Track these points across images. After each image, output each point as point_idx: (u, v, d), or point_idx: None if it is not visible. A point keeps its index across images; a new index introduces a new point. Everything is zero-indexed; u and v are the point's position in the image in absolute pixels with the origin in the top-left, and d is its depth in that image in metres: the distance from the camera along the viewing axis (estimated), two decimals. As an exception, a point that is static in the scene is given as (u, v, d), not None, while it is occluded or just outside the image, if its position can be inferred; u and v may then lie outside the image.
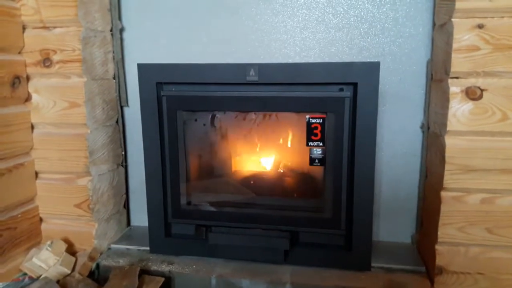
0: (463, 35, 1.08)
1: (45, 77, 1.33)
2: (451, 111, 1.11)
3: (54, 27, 1.30)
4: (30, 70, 1.33)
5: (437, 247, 1.19)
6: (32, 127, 1.37)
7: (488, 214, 1.14)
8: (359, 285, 1.20)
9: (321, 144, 1.26)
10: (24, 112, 1.34)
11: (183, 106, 1.31)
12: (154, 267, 1.31)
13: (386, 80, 1.33)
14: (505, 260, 1.16)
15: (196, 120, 1.40)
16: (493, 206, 1.14)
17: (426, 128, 1.32)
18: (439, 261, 1.19)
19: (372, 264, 1.27)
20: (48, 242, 1.32)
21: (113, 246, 1.47)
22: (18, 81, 1.30)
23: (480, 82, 1.09)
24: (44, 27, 1.30)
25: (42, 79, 1.34)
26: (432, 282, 1.21)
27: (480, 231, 1.15)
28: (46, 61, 1.31)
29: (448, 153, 1.13)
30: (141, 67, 1.29)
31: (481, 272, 1.18)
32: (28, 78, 1.34)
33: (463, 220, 1.15)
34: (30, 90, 1.34)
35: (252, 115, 1.38)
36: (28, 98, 1.34)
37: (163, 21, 1.43)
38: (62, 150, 1.36)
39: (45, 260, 1.28)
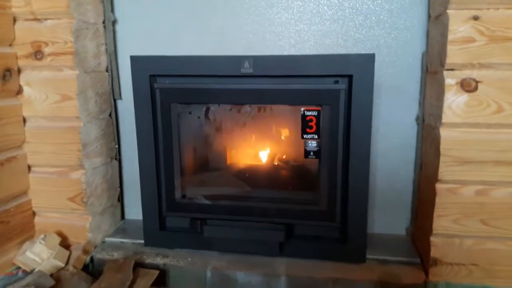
0: (458, 26, 1.07)
1: (36, 70, 1.31)
2: (446, 103, 1.11)
3: (46, 19, 1.28)
4: (21, 62, 1.31)
5: (432, 239, 1.19)
6: (24, 120, 1.35)
7: (483, 206, 1.14)
8: (354, 277, 1.21)
9: (316, 136, 1.25)
10: (15, 105, 1.32)
11: (177, 98, 1.30)
12: (148, 260, 1.31)
13: (381, 73, 1.32)
14: (499, 252, 1.17)
15: (190, 113, 1.39)
16: (488, 198, 1.14)
17: (421, 120, 1.32)
18: (434, 252, 1.19)
19: (367, 256, 1.28)
20: (42, 236, 1.31)
21: (107, 239, 1.46)
22: (9, 73, 1.28)
23: (475, 74, 1.09)
24: (36, 19, 1.28)
25: (33, 72, 1.32)
26: (426, 273, 1.22)
27: (475, 222, 1.16)
28: (37, 54, 1.30)
29: (443, 145, 1.13)
30: (134, 60, 1.27)
31: (475, 263, 1.18)
32: (19, 71, 1.32)
33: (458, 212, 1.16)
34: (21, 83, 1.32)
35: (247, 108, 1.38)
36: (19, 91, 1.33)
37: (156, 13, 1.42)
38: (55, 143, 1.35)
39: (39, 254, 1.27)
